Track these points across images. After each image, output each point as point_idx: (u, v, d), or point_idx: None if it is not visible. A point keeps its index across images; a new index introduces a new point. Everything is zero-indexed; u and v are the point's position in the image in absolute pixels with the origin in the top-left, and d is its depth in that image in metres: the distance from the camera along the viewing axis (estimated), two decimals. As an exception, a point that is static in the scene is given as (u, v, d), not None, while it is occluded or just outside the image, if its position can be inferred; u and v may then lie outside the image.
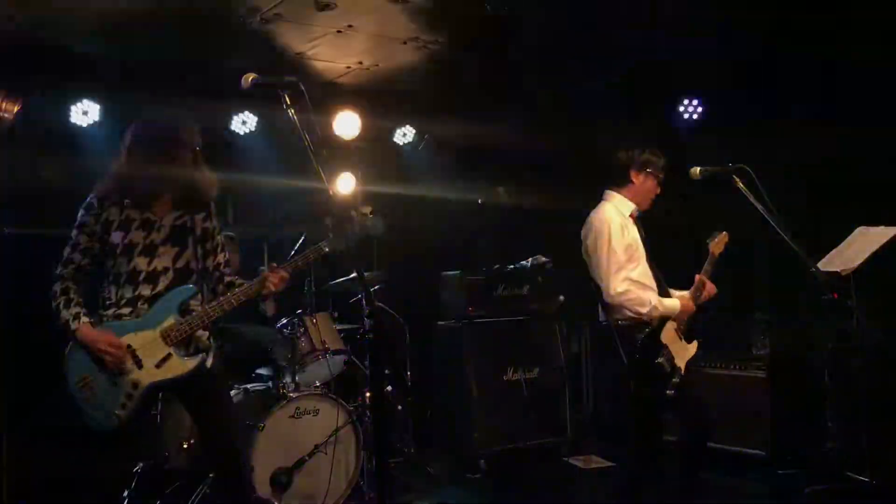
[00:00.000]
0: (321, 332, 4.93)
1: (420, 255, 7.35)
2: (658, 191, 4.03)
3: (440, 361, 6.16)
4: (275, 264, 3.32)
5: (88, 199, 3.22)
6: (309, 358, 4.89)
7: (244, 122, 6.20)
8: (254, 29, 4.93)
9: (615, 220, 3.90)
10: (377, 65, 5.75)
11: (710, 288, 3.96)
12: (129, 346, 3.13)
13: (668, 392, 3.78)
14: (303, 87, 2.73)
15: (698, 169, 3.93)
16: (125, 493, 4.42)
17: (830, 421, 5.20)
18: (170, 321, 3.17)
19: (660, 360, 3.79)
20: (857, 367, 4.76)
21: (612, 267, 3.81)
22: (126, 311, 3.19)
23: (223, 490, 3.41)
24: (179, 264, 3.28)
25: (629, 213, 3.98)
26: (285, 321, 4.96)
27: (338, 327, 5.20)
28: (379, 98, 6.42)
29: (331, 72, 5.86)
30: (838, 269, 4.73)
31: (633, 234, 3.94)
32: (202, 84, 5.57)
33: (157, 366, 3.14)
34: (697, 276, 3.94)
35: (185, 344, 3.22)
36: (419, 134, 7.07)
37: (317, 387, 4.96)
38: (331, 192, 2.66)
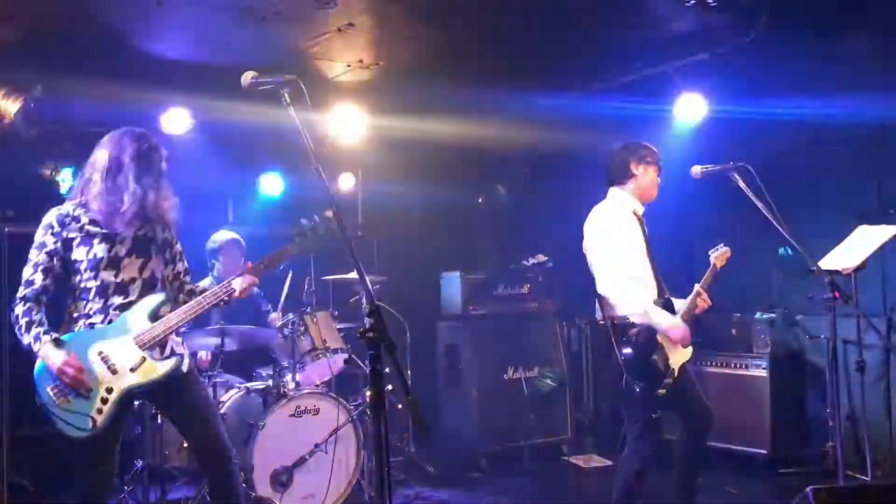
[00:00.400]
0: (321, 331, 4.93)
1: (420, 254, 7.35)
2: (659, 182, 4.01)
3: (440, 360, 6.16)
4: (250, 263, 3.33)
5: (46, 217, 3.23)
6: (309, 357, 4.89)
7: (243, 121, 6.17)
8: (254, 27, 4.92)
9: (616, 216, 3.90)
10: (378, 63, 5.73)
11: (705, 301, 3.93)
12: (101, 353, 3.14)
13: (659, 392, 3.77)
14: (303, 86, 2.71)
15: (699, 168, 3.92)
16: (123, 493, 4.42)
17: (831, 420, 5.19)
18: (142, 326, 3.20)
19: (654, 357, 3.79)
20: (858, 366, 4.75)
21: (609, 262, 3.80)
22: (98, 318, 3.20)
23: (217, 493, 3.39)
24: (146, 274, 3.30)
25: (633, 211, 3.97)
26: (286, 320, 4.95)
27: (338, 326, 5.19)
28: (379, 97, 6.40)
29: (331, 70, 5.85)
30: (839, 268, 4.73)
31: (636, 231, 3.94)
32: (202, 82, 5.57)
33: (132, 370, 3.16)
34: (696, 286, 3.93)
35: (160, 348, 3.24)
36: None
37: (317, 386, 4.96)
38: (331, 192, 2.64)
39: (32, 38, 4.92)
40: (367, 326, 2.38)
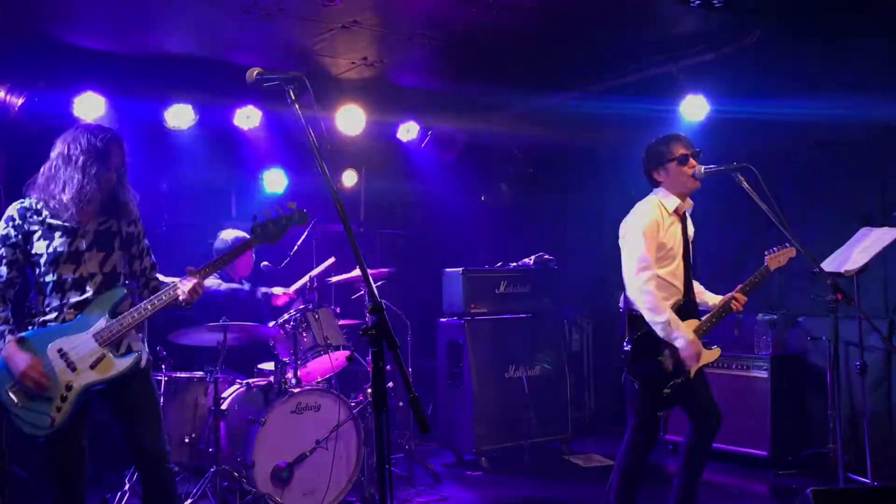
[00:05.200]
0: (323, 327, 4.93)
1: (422, 252, 7.35)
2: (691, 167, 3.88)
3: (442, 358, 6.16)
4: (192, 268, 3.29)
5: (8, 210, 3.22)
6: (311, 353, 4.89)
7: (248, 117, 6.19)
8: (258, 24, 4.92)
9: (652, 217, 3.86)
10: (382, 60, 5.73)
11: (739, 305, 3.91)
12: (60, 350, 3.12)
13: (664, 391, 3.77)
14: (307, 83, 2.71)
15: (703, 168, 3.91)
16: (125, 486, 4.43)
17: (832, 422, 5.19)
18: (101, 323, 3.18)
19: (661, 357, 3.79)
20: (860, 368, 4.75)
21: (639, 265, 3.80)
22: (52, 316, 3.19)
23: (150, 496, 3.33)
24: (107, 269, 3.27)
25: (674, 209, 3.91)
26: (287, 317, 4.96)
27: (340, 323, 5.20)
28: (383, 94, 6.41)
29: (335, 67, 5.85)
30: (842, 270, 4.73)
31: (673, 232, 3.91)
32: (207, 79, 5.57)
33: (92, 367, 3.15)
34: (737, 289, 3.92)
35: (118, 344, 3.23)
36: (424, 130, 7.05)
37: (318, 382, 4.96)
38: (334, 188, 2.64)
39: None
40: (370, 324, 2.38)
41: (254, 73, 2.76)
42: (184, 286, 3.24)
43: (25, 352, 3.08)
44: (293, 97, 2.71)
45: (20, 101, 5.33)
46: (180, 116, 5.85)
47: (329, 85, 6.08)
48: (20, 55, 5.18)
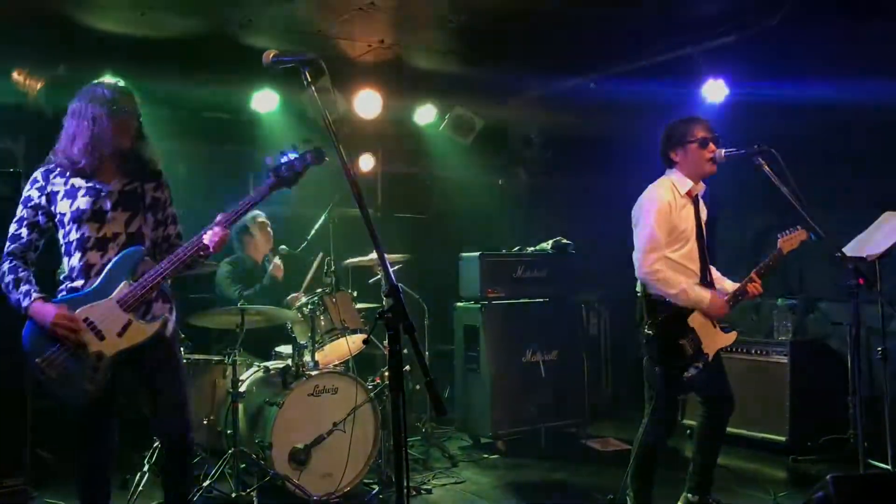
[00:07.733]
0: (340, 311, 4.94)
1: (439, 236, 7.34)
2: (710, 152, 3.86)
3: (459, 342, 6.16)
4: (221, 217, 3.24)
5: (34, 174, 3.22)
6: (328, 336, 4.91)
7: (265, 101, 6.18)
8: (275, 6, 4.91)
9: (665, 198, 3.84)
10: (399, 43, 5.70)
11: (756, 288, 3.89)
12: (87, 320, 3.07)
13: (685, 375, 3.76)
14: (324, 65, 2.70)
15: (723, 151, 3.87)
16: (145, 468, 4.48)
17: (852, 408, 5.15)
18: (123, 288, 3.12)
19: (682, 341, 3.77)
20: (881, 353, 4.70)
21: (648, 245, 3.78)
22: (79, 283, 3.16)
23: (170, 462, 3.34)
24: (132, 229, 3.23)
25: (686, 192, 3.89)
26: (305, 300, 4.97)
27: (357, 306, 5.21)
28: (400, 77, 6.38)
29: (352, 50, 5.83)
30: (864, 255, 4.67)
31: (686, 214, 3.88)
32: (224, 61, 5.57)
33: (119, 334, 3.09)
34: (752, 273, 3.90)
35: (143, 309, 3.19)
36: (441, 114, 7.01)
37: (336, 365, 4.98)
38: (351, 172, 2.63)
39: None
40: (387, 307, 2.38)
41: (270, 55, 2.75)
42: (208, 236, 3.16)
43: (52, 304, 3.06)
44: (310, 80, 2.70)
45: (39, 85, 5.36)
46: (199, 99, 5.87)
47: (346, 68, 6.06)
48: (39, 39, 5.19)
